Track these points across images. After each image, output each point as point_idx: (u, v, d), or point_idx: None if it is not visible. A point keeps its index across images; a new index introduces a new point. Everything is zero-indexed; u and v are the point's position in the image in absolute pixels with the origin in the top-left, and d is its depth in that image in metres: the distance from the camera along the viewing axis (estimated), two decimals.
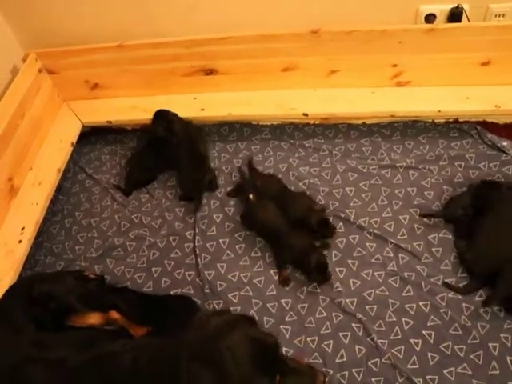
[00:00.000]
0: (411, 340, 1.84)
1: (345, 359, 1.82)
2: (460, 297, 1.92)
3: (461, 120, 2.48)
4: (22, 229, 2.26)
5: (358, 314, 1.92)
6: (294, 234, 2.09)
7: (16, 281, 2.08)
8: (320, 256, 2.01)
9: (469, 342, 1.80)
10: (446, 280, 1.96)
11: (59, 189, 2.61)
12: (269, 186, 2.31)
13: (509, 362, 1.74)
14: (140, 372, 1.44)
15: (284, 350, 1.86)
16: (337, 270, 2.06)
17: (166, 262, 2.23)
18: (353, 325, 1.91)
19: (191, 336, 1.40)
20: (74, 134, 2.70)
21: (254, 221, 2.21)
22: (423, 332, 1.85)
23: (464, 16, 2.36)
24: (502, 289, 1.84)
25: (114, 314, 1.83)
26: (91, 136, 2.86)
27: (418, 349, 1.82)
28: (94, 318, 1.79)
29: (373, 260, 2.08)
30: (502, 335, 1.80)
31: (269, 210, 2.17)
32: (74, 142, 2.69)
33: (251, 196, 2.22)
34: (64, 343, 1.62)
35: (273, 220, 2.14)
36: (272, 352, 1.36)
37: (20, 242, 2.22)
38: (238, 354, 1.30)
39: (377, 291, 1.99)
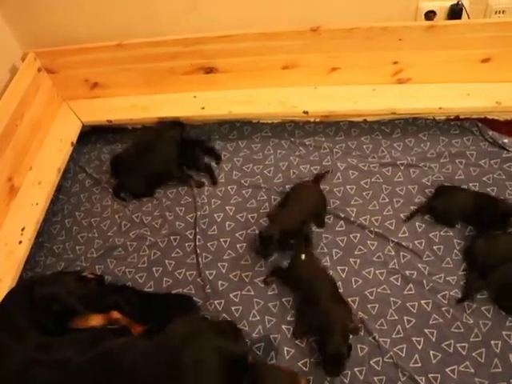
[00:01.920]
0: (413, 338, 1.84)
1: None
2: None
3: (462, 117, 2.48)
4: (23, 229, 2.26)
5: (359, 313, 1.92)
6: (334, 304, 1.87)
7: (15, 284, 2.07)
8: (339, 346, 1.72)
9: (471, 339, 1.80)
10: (447, 278, 1.96)
11: (59, 189, 2.61)
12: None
13: (511, 359, 1.73)
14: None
15: (285, 349, 1.86)
16: (338, 268, 2.06)
17: (166, 261, 2.23)
18: None
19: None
20: (73, 134, 2.70)
21: (298, 279, 1.98)
22: (425, 330, 1.85)
23: (464, 13, 2.35)
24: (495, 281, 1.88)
25: (116, 314, 1.83)
26: (91, 135, 2.85)
27: (419, 347, 1.81)
28: (95, 320, 1.79)
29: (374, 258, 2.07)
30: (504, 333, 1.80)
31: (319, 270, 2.01)
32: (74, 142, 2.69)
33: (303, 256, 2.01)
34: (68, 345, 1.63)
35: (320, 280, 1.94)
36: (240, 362, 1.42)
37: (20, 242, 2.22)
38: (203, 369, 1.38)
39: (378, 290, 1.98)
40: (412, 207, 2.20)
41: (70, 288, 1.83)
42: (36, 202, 2.37)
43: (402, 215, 2.18)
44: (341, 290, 1.98)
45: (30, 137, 2.55)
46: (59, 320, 1.74)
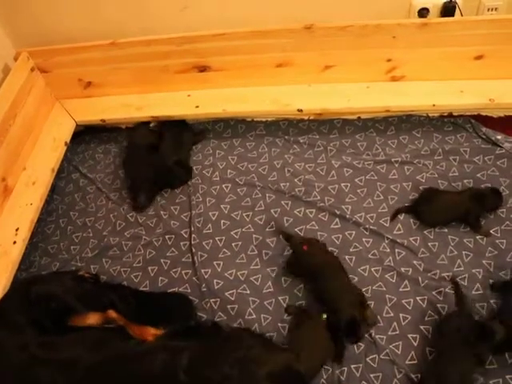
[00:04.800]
0: (409, 335, 1.84)
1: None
2: None
3: (455, 114, 2.48)
4: (17, 229, 2.24)
5: None
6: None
7: (10, 285, 2.06)
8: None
9: None
10: (443, 274, 1.97)
11: (53, 188, 2.59)
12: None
13: (506, 355, 1.74)
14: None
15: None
16: None
17: (162, 260, 2.23)
18: None
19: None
20: (67, 133, 2.68)
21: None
22: (421, 327, 1.86)
23: (457, 10, 2.35)
24: None
25: (112, 314, 1.82)
26: (85, 135, 2.84)
27: (415, 344, 1.82)
28: (92, 318, 1.78)
29: (369, 256, 2.08)
30: None
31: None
32: (68, 141, 2.67)
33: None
34: (71, 345, 1.63)
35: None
36: None
37: (15, 242, 2.20)
38: None
39: (374, 287, 1.99)
40: (407, 204, 2.20)
41: (66, 286, 1.83)
42: (30, 202, 2.36)
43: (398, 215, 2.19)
44: None
45: (24, 137, 2.53)
46: (56, 318, 1.73)
